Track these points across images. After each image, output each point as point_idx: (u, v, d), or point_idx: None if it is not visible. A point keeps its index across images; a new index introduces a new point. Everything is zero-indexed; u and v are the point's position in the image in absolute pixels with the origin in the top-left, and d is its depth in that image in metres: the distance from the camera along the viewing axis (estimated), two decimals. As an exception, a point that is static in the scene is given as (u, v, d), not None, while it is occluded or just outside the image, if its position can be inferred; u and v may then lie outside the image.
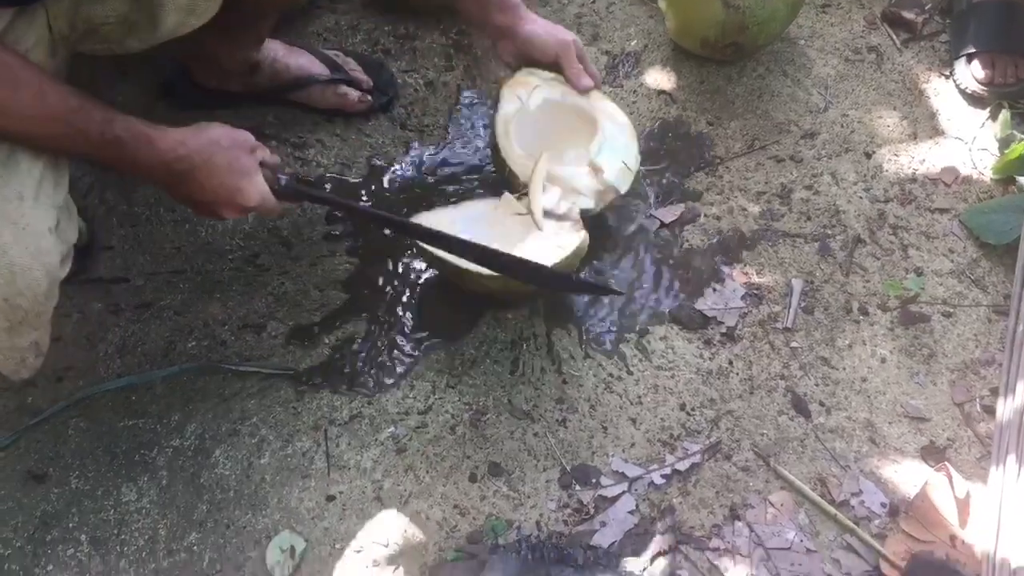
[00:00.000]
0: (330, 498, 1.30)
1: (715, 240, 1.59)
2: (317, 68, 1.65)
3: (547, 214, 1.45)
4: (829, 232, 1.61)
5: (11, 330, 1.05)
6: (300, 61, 1.64)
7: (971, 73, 1.75)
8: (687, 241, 1.59)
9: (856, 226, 1.61)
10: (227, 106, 1.65)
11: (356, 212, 1.50)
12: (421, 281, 1.52)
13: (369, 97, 1.69)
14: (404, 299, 1.50)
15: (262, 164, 1.21)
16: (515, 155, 1.51)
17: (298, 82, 1.64)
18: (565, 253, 1.37)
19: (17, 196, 1.01)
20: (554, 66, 1.52)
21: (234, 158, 1.16)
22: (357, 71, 1.69)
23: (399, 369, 1.43)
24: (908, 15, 1.87)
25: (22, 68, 0.99)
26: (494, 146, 1.55)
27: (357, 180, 1.62)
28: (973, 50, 1.76)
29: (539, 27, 1.50)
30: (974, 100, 1.77)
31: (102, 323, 1.44)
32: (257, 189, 1.19)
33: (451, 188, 1.63)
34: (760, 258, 1.57)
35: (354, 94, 1.68)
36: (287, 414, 1.37)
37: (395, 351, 1.45)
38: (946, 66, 1.83)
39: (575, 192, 1.49)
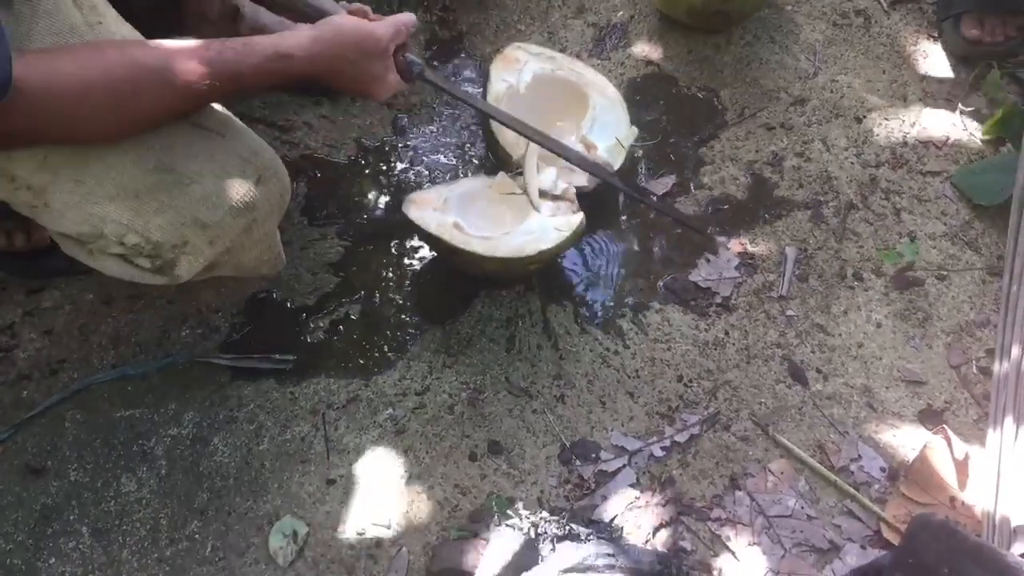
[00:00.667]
0: (330, 482, 1.30)
1: (708, 211, 1.58)
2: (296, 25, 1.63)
3: (543, 194, 1.45)
4: (821, 199, 1.60)
5: (276, 227, 1.20)
6: (279, 17, 1.61)
7: (960, 33, 1.74)
8: (679, 211, 1.58)
9: (848, 192, 1.61)
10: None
11: (470, 104, 1.42)
12: (414, 262, 1.51)
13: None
14: (397, 280, 1.49)
15: (397, 50, 1.22)
16: (507, 133, 1.50)
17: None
18: (564, 235, 1.37)
19: (226, 114, 1.10)
20: None
21: (361, 71, 1.17)
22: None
23: (395, 350, 1.43)
24: (895, -23, 1.86)
25: (154, 49, 1.00)
26: (485, 125, 1.54)
27: (345, 161, 1.61)
28: (961, 10, 1.75)
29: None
30: (963, 61, 1.76)
31: (95, 314, 1.43)
32: (386, 88, 1.22)
33: (444, 166, 1.62)
34: (753, 227, 1.57)
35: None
36: (284, 399, 1.37)
37: (390, 332, 1.44)
38: (934, 28, 1.82)
39: (569, 170, 1.48)
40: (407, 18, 1.22)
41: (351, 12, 1.20)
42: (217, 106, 1.10)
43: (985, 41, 1.73)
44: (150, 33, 1.08)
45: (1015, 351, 1.35)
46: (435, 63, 1.74)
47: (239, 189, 1.09)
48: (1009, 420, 1.30)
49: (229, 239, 1.11)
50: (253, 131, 1.14)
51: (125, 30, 1.06)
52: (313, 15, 1.20)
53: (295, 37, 1.09)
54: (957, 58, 1.76)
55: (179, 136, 1.04)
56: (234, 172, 1.08)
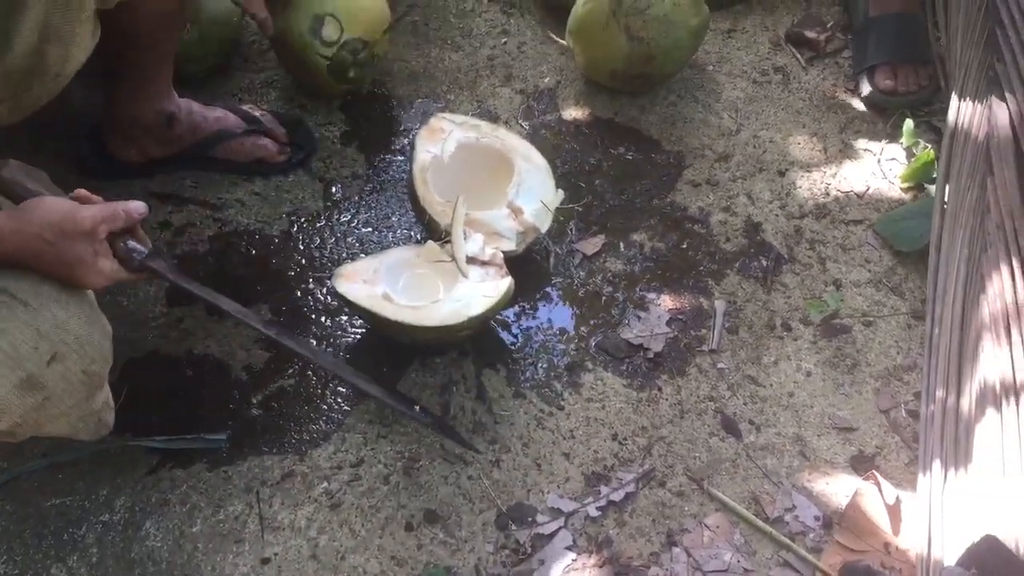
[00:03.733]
0: (265, 561, 1.29)
1: (637, 267, 1.61)
2: (234, 121, 1.67)
3: (471, 260, 1.47)
4: (748, 252, 1.63)
5: (89, 397, 1.14)
6: (216, 114, 1.66)
7: (875, 84, 1.80)
8: (609, 271, 1.61)
9: (774, 243, 1.64)
10: (144, 175, 1.65)
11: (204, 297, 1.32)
12: (347, 334, 1.52)
13: (288, 147, 1.72)
14: (330, 352, 1.50)
15: (115, 234, 1.17)
16: (434, 202, 1.53)
17: (218, 135, 1.65)
18: (492, 301, 1.39)
19: (42, 279, 1.07)
20: None
21: (61, 252, 1.08)
22: (273, 124, 1.71)
23: (330, 423, 1.43)
24: (810, 34, 1.92)
25: None
26: (412, 195, 1.57)
27: (277, 236, 1.63)
28: (875, 62, 1.81)
29: None
30: (879, 111, 1.82)
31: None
32: (98, 273, 1.13)
33: (373, 237, 1.64)
34: (682, 282, 1.60)
35: (273, 145, 1.70)
36: (217, 479, 1.36)
37: (325, 405, 1.44)
38: (850, 81, 1.88)
39: (497, 235, 1.51)
40: (131, 205, 1.18)
41: (75, 196, 1.15)
42: (34, 275, 1.06)
43: (899, 91, 1.79)
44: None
45: (939, 393, 1.37)
46: (363, 134, 1.77)
47: (25, 367, 1.04)
48: (937, 463, 1.31)
49: (18, 415, 1.05)
50: (90, 296, 1.12)
51: None
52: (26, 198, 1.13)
53: None
54: (873, 109, 1.82)
55: None
56: (24, 349, 1.03)
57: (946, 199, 1.57)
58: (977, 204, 1.48)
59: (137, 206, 1.18)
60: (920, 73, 1.80)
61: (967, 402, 1.31)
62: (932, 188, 1.68)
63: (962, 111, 1.64)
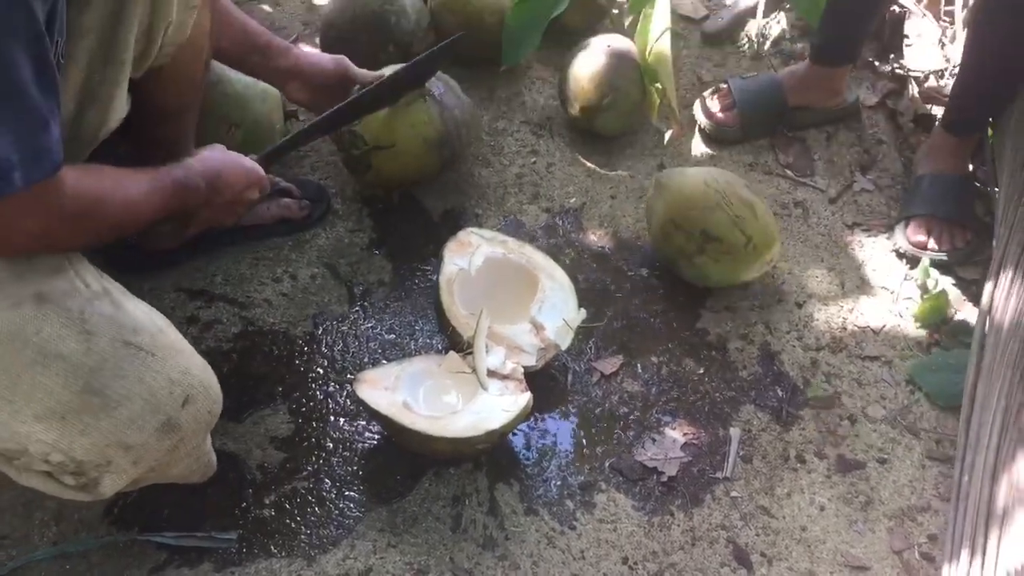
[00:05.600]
0: (266, 668, 1.27)
1: (654, 389, 1.63)
2: None
3: (491, 374, 1.49)
4: (765, 381, 1.65)
5: (206, 437, 1.25)
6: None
7: (907, 235, 1.83)
8: (626, 391, 1.62)
9: (791, 374, 1.66)
10: (174, 266, 1.70)
11: (314, 133, 1.69)
12: (364, 439, 1.53)
13: (307, 201, 1.81)
14: (347, 457, 1.50)
15: None
16: (458, 315, 1.57)
17: None
18: (510, 416, 1.41)
19: (158, 328, 1.14)
20: (338, 80, 1.69)
21: (232, 155, 1.44)
22: (287, 185, 1.81)
23: (340, 528, 1.42)
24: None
25: (113, 180, 1.17)
26: (438, 306, 1.60)
27: (302, 337, 1.65)
28: (910, 214, 1.85)
29: (315, 55, 1.72)
30: (908, 260, 1.85)
31: (39, 491, 1.42)
32: (253, 165, 1.47)
33: (396, 344, 1.66)
34: (698, 407, 1.61)
35: (294, 203, 1.79)
36: (225, 579, 1.35)
37: (336, 510, 1.44)
38: (869, 219, 1.92)
39: (518, 350, 1.53)
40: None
41: None
42: (148, 318, 1.14)
43: (930, 247, 1.81)
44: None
45: (964, 552, 1.35)
46: (391, 242, 1.82)
47: (165, 411, 1.11)
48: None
49: (154, 459, 1.14)
50: (188, 343, 1.19)
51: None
52: None
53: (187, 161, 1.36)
54: (903, 258, 1.85)
55: (110, 357, 1.06)
56: (161, 394, 1.10)
57: (983, 347, 1.58)
58: (1018, 359, 1.48)
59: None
60: (956, 236, 1.82)
61: (991, 561, 1.28)
62: (948, 329, 1.70)
63: (1004, 266, 1.63)
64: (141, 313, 1.14)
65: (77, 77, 1.15)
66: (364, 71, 1.72)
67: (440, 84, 1.78)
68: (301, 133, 1.64)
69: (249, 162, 1.47)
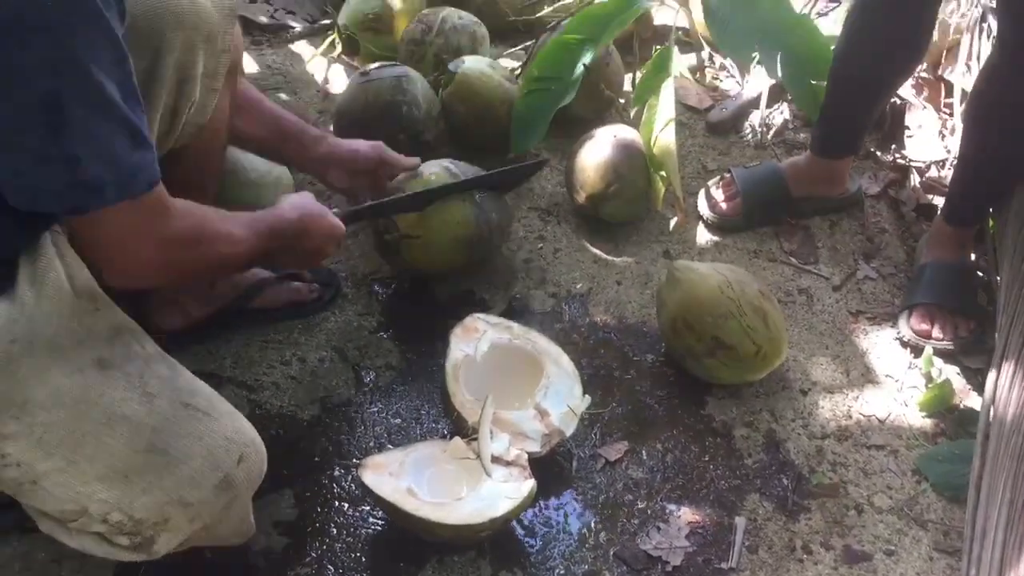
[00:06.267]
0: None
1: (658, 477, 1.62)
2: (264, 272, 1.79)
3: (496, 460, 1.50)
4: (770, 469, 1.65)
5: (250, 495, 1.27)
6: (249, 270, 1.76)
7: (911, 324, 1.84)
8: (630, 478, 1.62)
9: (796, 462, 1.66)
10: (184, 348, 1.72)
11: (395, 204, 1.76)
12: (367, 525, 1.53)
13: (317, 285, 1.84)
14: (350, 543, 1.50)
15: None
16: (463, 400, 1.58)
17: (255, 286, 1.76)
18: (515, 503, 1.41)
19: (210, 390, 1.20)
20: (376, 165, 1.77)
21: (318, 208, 1.51)
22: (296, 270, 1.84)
23: (342, 617, 1.41)
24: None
25: (216, 214, 1.28)
26: (444, 391, 1.61)
27: (308, 420, 1.66)
28: (914, 303, 1.86)
29: (350, 142, 1.75)
30: (912, 349, 1.85)
31: (46, 571, 1.42)
32: (337, 220, 1.54)
33: (402, 429, 1.67)
34: (703, 495, 1.60)
35: (304, 287, 1.83)
36: (224, 668, 1.34)
37: (339, 598, 1.44)
38: (873, 307, 1.94)
39: (522, 436, 1.54)
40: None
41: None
42: (200, 382, 1.19)
43: (934, 336, 1.82)
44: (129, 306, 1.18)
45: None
46: (399, 325, 1.84)
47: (223, 469, 1.15)
48: None
49: (209, 516, 1.17)
50: (232, 406, 1.23)
51: (121, 316, 1.15)
52: None
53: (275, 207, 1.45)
54: (906, 346, 1.86)
55: (170, 416, 1.12)
56: (219, 452, 1.15)
57: (988, 438, 1.57)
58: (1022, 451, 1.47)
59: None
60: (960, 325, 1.83)
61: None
62: (953, 419, 1.71)
63: (1007, 356, 1.64)
64: (194, 378, 1.19)
65: None
66: (400, 157, 1.79)
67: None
68: (387, 201, 1.74)
69: (332, 216, 1.54)
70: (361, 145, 1.77)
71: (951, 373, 1.80)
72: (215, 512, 1.18)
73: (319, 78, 2.46)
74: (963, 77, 2.29)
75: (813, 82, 2.08)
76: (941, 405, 1.73)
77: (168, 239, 1.14)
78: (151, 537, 1.13)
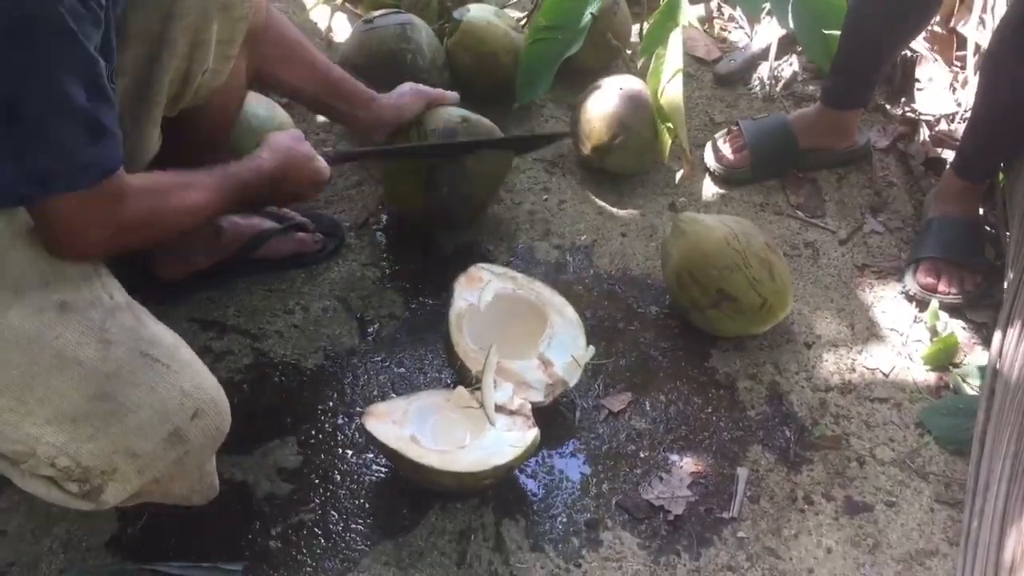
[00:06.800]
0: None
1: (661, 428, 1.63)
2: (268, 223, 1.79)
3: (499, 409, 1.50)
4: (773, 421, 1.65)
5: (210, 456, 1.25)
6: (252, 220, 1.78)
7: (916, 279, 1.84)
8: (633, 428, 1.62)
9: (799, 415, 1.66)
10: (188, 297, 1.72)
11: (386, 156, 1.83)
12: (371, 472, 1.54)
13: (320, 235, 1.84)
14: (353, 490, 1.51)
15: None
16: (467, 349, 1.58)
17: (259, 237, 1.76)
18: (518, 452, 1.41)
19: (175, 343, 1.18)
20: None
21: (303, 152, 1.52)
22: (302, 219, 1.85)
23: (346, 562, 1.42)
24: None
25: (180, 185, 1.29)
26: (447, 340, 1.61)
27: (312, 369, 1.67)
28: (920, 256, 1.85)
29: (395, 98, 1.77)
30: (918, 303, 1.85)
31: (49, 518, 1.43)
32: (323, 164, 1.56)
33: (405, 378, 1.67)
34: (705, 446, 1.61)
35: (308, 237, 1.83)
36: (229, 610, 1.36)
37: (343, 543, 1.44)
38: (879, 260, 1.93)
39: (526, 385, 1.54)
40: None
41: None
42: (168, 334, 1.18)
43: (940, 290, 1.82)
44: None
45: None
46: (401, 274, 1.84)
47: (174, 422, 1.13)
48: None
49: (159, 469, 1.15)
50: (200, 360, 1.22)
51: (95, 263, 1.17)
52: None
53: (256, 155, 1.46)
54: (912, 300, 1.86)
55: (126, 365, 1.10)
56: (172, 404, 1.13)
57: (993, 392, 1.57)
58: None
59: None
60: (966, 279, 1.82)
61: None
62: (958, 373, 1.71)
63: (1014, 311, 1.64)
64: (161, 328, 1.18)
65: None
66: (443, 93, 1.82)
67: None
68: (375, 151, 1.80)
69: (319, 162, 1.55)
70: (406, 98, 1.77)
71: (956, 327, 1.80)
72: (165, 466, 1.16)
73: (322, 26, 2.43)
74: (977, 31, 2.25)
75: (825, 32, 2.04)
76: (945, 359, 1.73)
77: (120, 224, 1.16)
78: (99, 486, 1.12)
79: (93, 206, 1.11)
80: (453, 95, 1.82)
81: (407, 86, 1.80)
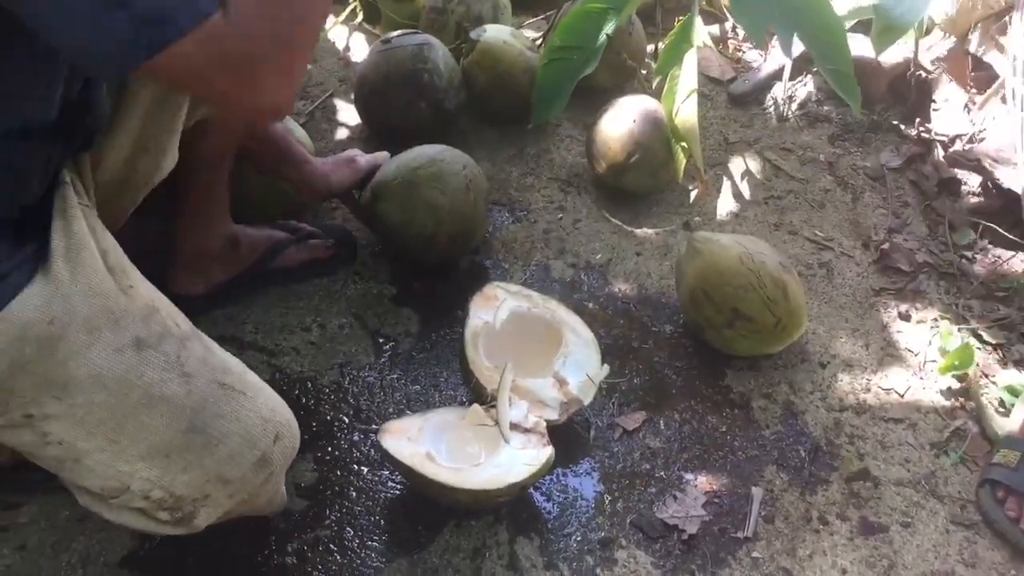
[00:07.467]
0: None
1: (675, 446, 1.63)
2: (280, 233, 1.81)
3: (514, 427, 1.50)
4: (787, 440, 1.65)
5: (285, 470, 1.29)
6: (266, 231, 1.79)
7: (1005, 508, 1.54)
8: (648, 447, 1.62)
9: (813, 434, 1.66)
10: (206, 312, 1.73)
11: None
12: (386, 489, 1.54)
13: (332, 241, 1.86)
14: (368, 507, 1.52)
15: None
16: (482, 367, 1.59)
17: (274, 248, 1.78)
18: (532, 469, 1.42)
19: (242, 368, 1.21)
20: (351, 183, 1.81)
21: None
22: (313, 229, 1.86)
23: (361, 579, 1.43)
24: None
25: None
26: (462, 358, 1.62)
27: (328, 385, 1.68)
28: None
29: (324, 171, 1.77)
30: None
31: (68, 532, 1.44)
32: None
33: (420, 395, 1.68)
34: (720, 465, 1.61)
35: (320, 243, 1.84)
36: (245, 626, 1.36)
37: (357, 560, 1.45)
38: (893, 281, 1.93)
39: (541, 404, 1.55)
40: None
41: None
42: (232, 360, 1.21)
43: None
44: (151, 271, 1.19)
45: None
46: (417, 291, 1.85)
47: (260, 447, 1.18)
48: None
49: (247, 492, 1.20)
50: (264, 382, 1.25)
51: (154, 293, 1.17)
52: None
53: None
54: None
55: (209, 397, 1.13)
56: (256, 432, 1.17)
57: None
58: None
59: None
60: None
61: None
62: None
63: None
64: (226, 355, 1.21)
65: (135, 124, 1.22)
66: (373, 161, 1.85)
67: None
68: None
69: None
70: (342, 169, 1.80)
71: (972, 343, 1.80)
72: (253, 488, 1.21)
73: (340, 46, 2.46)
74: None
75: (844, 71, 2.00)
76: (962, 367, 1.72)
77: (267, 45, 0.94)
78: (191, 512, 1.16)
79: (226, 38, 0.89)
80: (383, 155, 1.87)
81: (348, 154, 1.85)
